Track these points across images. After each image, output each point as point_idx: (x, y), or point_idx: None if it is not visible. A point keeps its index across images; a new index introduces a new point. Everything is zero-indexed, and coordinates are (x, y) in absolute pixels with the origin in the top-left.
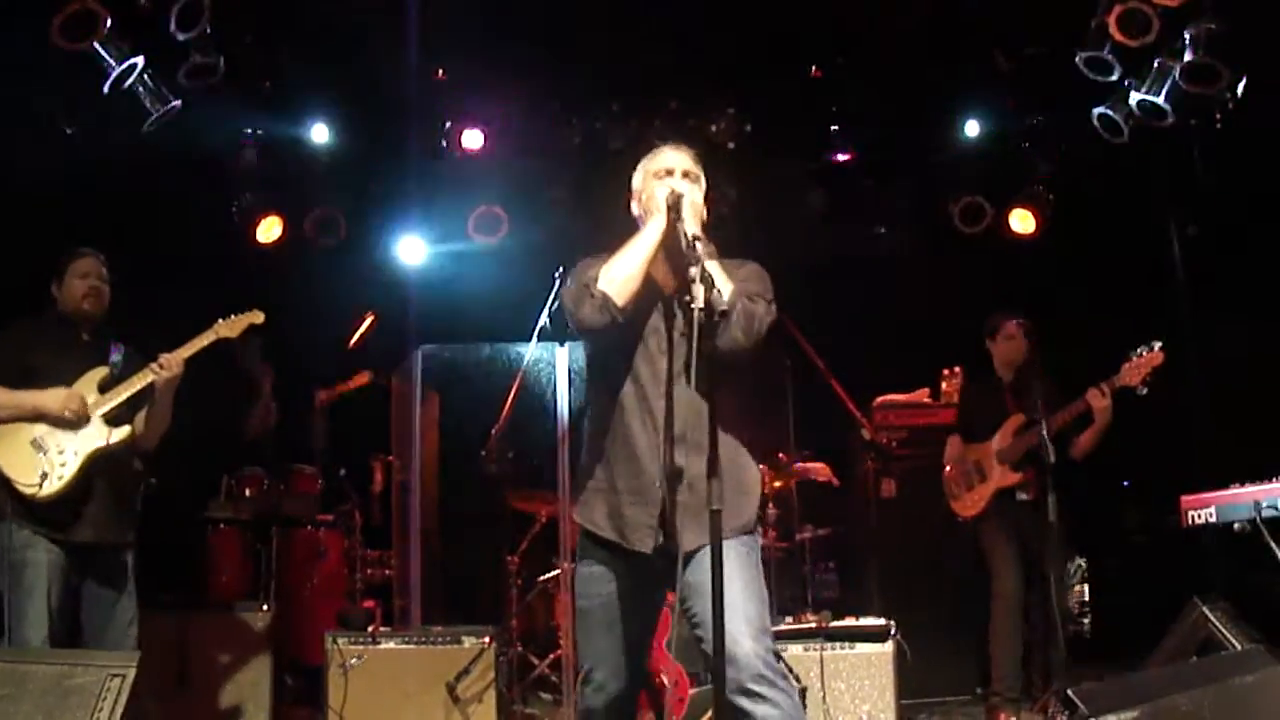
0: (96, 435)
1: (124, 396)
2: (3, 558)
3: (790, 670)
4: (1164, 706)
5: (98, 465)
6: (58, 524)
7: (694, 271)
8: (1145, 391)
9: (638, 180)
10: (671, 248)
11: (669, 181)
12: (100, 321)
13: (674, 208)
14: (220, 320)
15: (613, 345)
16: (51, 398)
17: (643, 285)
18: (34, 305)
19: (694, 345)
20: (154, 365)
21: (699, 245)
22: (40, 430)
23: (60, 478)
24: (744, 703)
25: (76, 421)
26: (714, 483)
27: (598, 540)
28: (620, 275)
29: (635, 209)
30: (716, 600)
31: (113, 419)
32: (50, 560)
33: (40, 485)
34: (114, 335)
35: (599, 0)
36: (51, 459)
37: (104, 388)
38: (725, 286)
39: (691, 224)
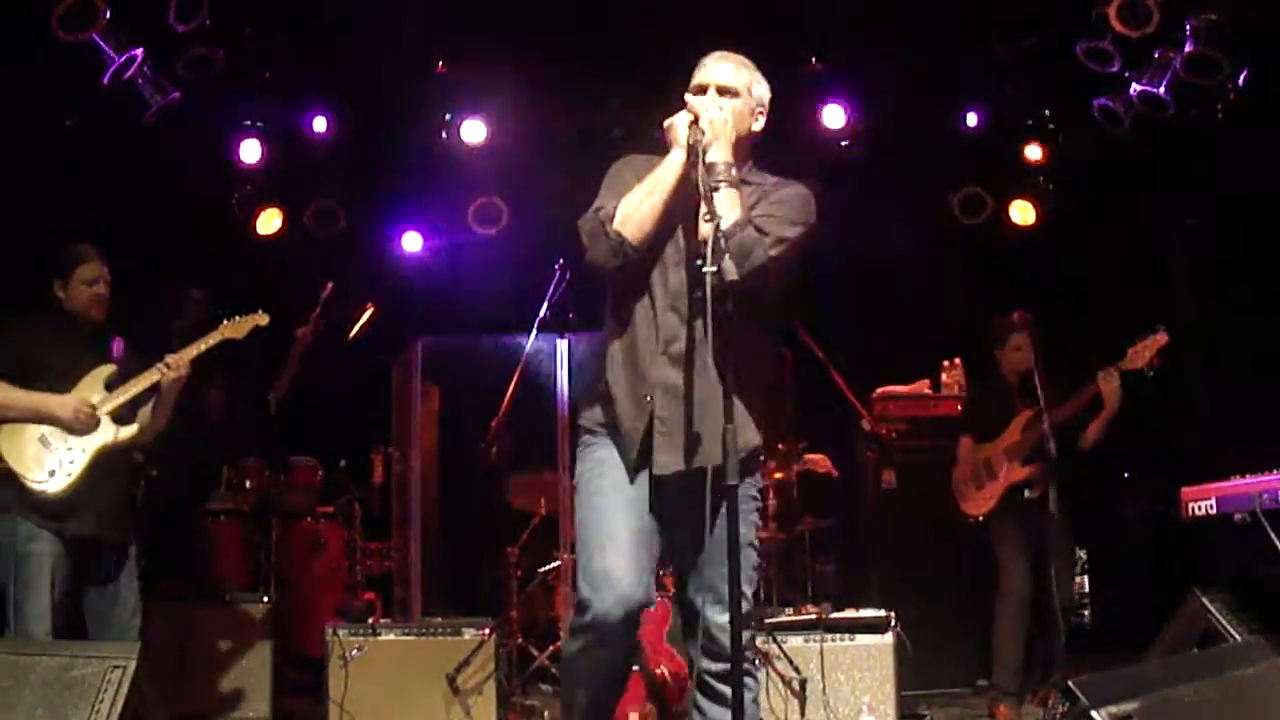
0: (104, 433)
1: (130, 395)
2: (8, 551)
3: (791, 661)
4: (1165, 698)
5: (104, 461)
6: (62, 518)
7: (706, 229)
8: (1152, 374)
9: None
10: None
11: (696, 104)
12: (104, 322)
13: (693, 149)
14: (225, 321)
15: (623, 273)
16: (60, 405)
17: (662, 211)
18: (36, 297)
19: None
20: (160, 365)
21: (705, 181)
22: (47, 427)
23: (69, 474)
24: (719, 686)
25: (85, 430)
26: (728, 436)
27: (597, 432)
28: (639, 216)
29: None
30: (733, 587)
31: (118, 416)
32: (53, 553)
33: (49, 481)
34: (115, 331)
35: None
36: (59, 455)
37: (110, 385)
38: (729, 215)
39: (721, 151)
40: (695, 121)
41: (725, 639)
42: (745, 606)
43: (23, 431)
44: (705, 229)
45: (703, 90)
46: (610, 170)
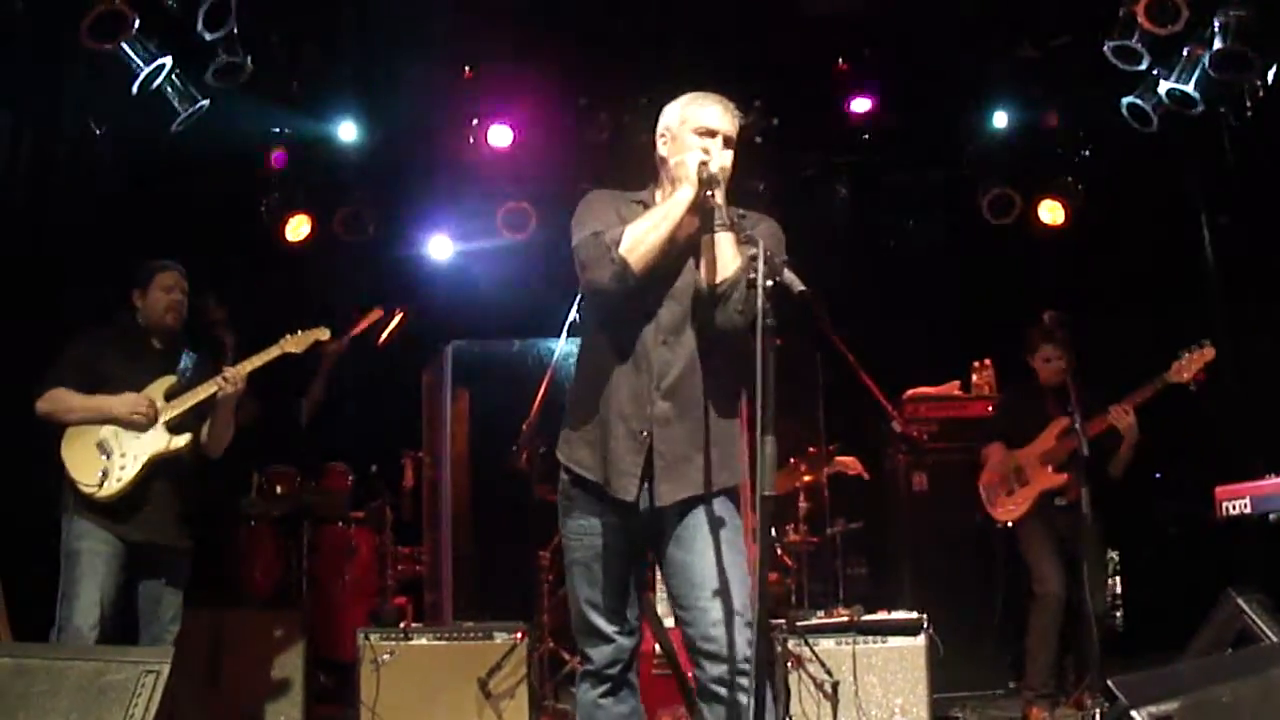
0: (157, 441)
1: (187, 406)
2: (59, 550)
3: (823, 664)
4: (1204, 698)
5: (157, 470)
6: (113, 520)
7: (706, 249)
8: (1195, 389)
9: (673, 121)
10: (692, 207)
11: (707, 145)
12: (176, 333)
13: (708, 183)
14: (287, 335)
15: (619, 301)
16: (119, 402)
17: (667, 244)
18: (67, 303)
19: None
20: (219, 379)
21: (722, 220)
22: (106, 433)
23: (119, 480)
24: (724, 693)
25: (144, 424)
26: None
27: (581, 482)
28: (645, 246)
29: (662, 149)
30: (761, 599)
31: (175, 426)
32: (104, 552)
33: (100, 485)
34: (186, 343)
35: None
36: (114, 461)
37: (170, 395)
38: (732, 263)
39: (720, 195)
40: (707, 163)
41: (735, 645)
42: (749, 620)
43: (83, 436)
44: (728, 255)
45: (711, 134)
46: (581, 205)
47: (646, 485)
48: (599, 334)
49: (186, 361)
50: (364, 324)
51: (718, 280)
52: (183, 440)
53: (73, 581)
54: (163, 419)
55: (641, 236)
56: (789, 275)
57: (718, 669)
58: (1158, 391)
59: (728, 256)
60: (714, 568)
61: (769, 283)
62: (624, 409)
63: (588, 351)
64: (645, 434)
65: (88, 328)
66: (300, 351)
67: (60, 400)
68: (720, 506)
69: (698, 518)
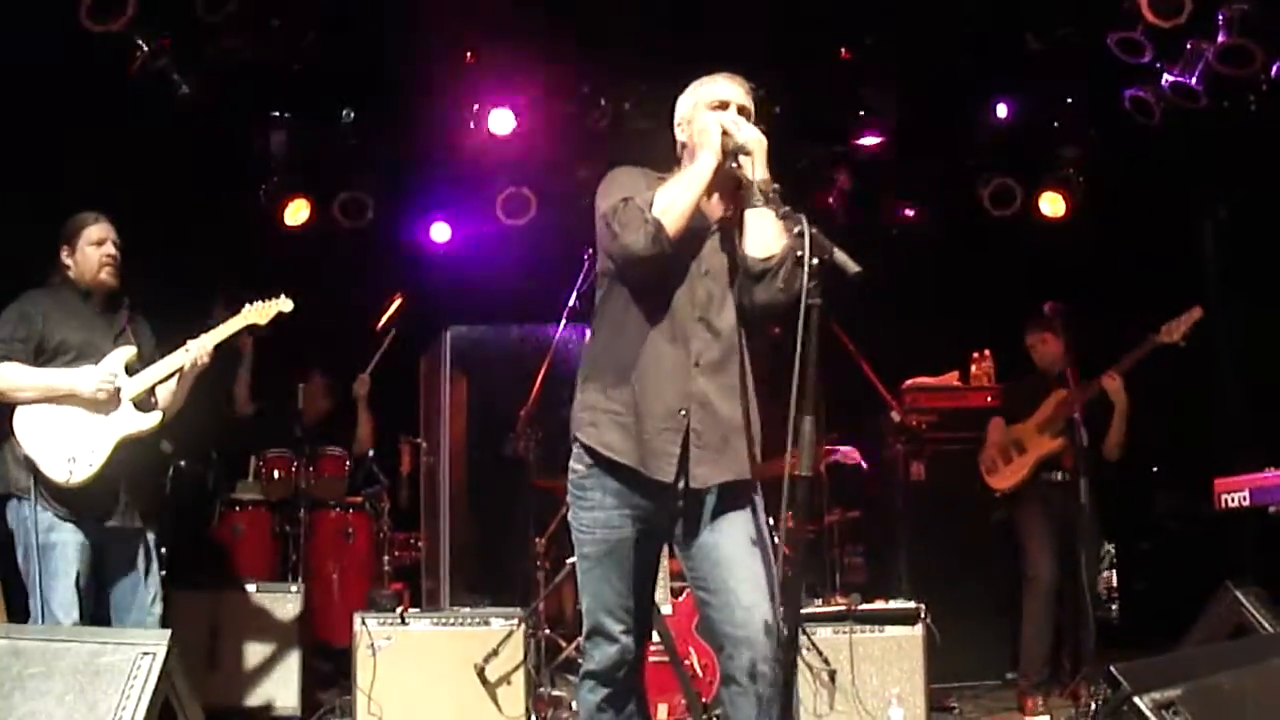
0: (126, 422)
1: (153, 382)
2: (27, 539)
3: (820, 653)
4: (1207, 685)
5: (125, 451)
6: (82, 508)
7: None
8: (1184, 345)
9: (685, 107)
10: (721, 178)
11: (725, 118)
12: (116, 292)
13: (734, 152)
14: (249, 306)
15: (652, 270)
16: (83, 378)
17: (694, 210)
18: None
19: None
20: (183, 352)
21: (760, 195)
22: (68, 416)
23: (90, 465)
24: (747, 682)
25: (109, 401)
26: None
27: (608, 466)
28: (676, 207)
29: (681, 135)
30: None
31: (139, 403)
32: (76, 542)
33: (70, 474)
34: (127, 303)
35: None
36: (80, 444)
37: (130, 368)
38: (777, 240)
39: (760, 169)
40: (730, 132)
41: (763, 632)
42: (774, 612)
43: (43, 418)
44: (771, 232)
45: (723, 106)
46: (608, 178)
47: (682, 467)
48: (629, 310)
49: (126, 320)
50: (393, 314)
51: (762, 257)
52: (152, 420)
53: (49, 576)
54: (129, 397)
55: (673, 199)
56: (841, 255)
57: (746, 655)
58: (1147, 354)
59: (771, 233)
60: (744, 551)
61: (815, 261)
62: (661, 387)
63: (613, 330)
64: (683, 412)
65: (23, 297)
66: (264, 323)
67: (8, 378)
68: (752, 492)
69: (731, 502)
